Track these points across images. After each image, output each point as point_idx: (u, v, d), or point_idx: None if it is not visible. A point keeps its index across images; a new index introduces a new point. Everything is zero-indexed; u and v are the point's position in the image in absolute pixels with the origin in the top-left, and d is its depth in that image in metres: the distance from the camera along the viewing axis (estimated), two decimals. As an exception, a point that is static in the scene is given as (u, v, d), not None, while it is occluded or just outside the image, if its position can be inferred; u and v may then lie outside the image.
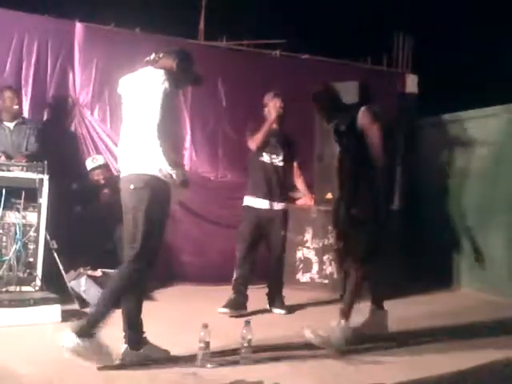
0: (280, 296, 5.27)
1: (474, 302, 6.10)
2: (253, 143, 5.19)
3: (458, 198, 6.87)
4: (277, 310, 5.19)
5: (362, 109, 4.18)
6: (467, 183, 6.79)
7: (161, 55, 3.57)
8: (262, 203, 5.18)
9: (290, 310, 5.25)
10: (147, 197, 3.39)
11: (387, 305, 4.49)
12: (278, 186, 5.22)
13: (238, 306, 4.99)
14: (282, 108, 5.21)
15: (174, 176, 3.40)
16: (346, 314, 4.06)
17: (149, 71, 3.53)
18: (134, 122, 3.49)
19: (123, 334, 3.58)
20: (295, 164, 5.41)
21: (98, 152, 6.12)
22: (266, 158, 5.21)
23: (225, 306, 4.93)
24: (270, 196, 5.17)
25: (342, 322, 4.03)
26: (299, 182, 5.52)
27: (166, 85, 3.40)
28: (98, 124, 6.23)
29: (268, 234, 5.24)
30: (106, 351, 3.40)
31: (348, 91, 6.17)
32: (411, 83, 7.60)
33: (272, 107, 5.23)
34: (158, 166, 3.39)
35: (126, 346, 3.56)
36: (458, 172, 6.88)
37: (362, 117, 4.15)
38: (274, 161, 5.22)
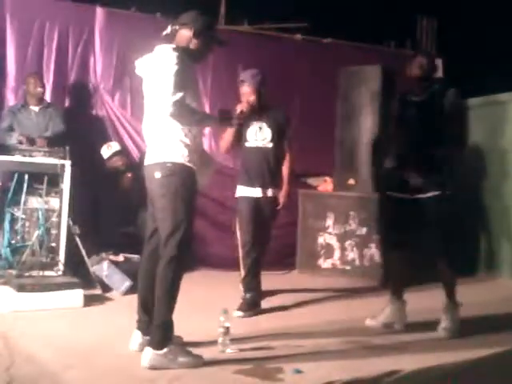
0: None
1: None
2: (221, 147, 4.79)
3: (499, 183, 6.53)
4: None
5: (454, 90, 4.16)
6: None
7: (177, 27, 3.43)
8: (253, 191, 4.66)
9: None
10: (174, 185, 3.31)
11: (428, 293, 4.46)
12: (269, 170, 4.66)
13: (251, 307, 4.55)
14: (249, 102, 4.51)
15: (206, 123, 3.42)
16: (452, 297, 4.15)
17: (162, 50, 3.38)
18: (153, 106, 3.40)
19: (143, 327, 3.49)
20: (285, 145, 4.77)
21: (120, 138, 6.14)
22: (251, 142, 4.68)
23: (239, 309, 4.49)
24: (261, 183, 4.64)
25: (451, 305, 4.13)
26: (284, 169, 4.79)
27: (179, 64, 3.25)
28: (119, 110, 6.23)
29: (260, 223, 4.66)
30: (188, 352, 3.34)
31: (370, 75, 6.15)
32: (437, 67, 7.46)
33: (241, 97, 4.60)
34: (181, 152, 3.33)
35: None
36: (501, 156, 6.52)
37: (456, 98, 4.12)
38: (259, 144, 4.66)
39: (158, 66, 3.35)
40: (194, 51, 3.43)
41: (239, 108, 4.18)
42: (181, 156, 3.34)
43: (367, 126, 6.09)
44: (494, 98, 6.60)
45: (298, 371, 3.25)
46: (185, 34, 3.42)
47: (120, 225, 5.44)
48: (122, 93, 6.26)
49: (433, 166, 4.08)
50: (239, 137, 4.66)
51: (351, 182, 6.09)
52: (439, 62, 7.56)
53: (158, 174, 3.34)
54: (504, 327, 4.27)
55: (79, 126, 5.89)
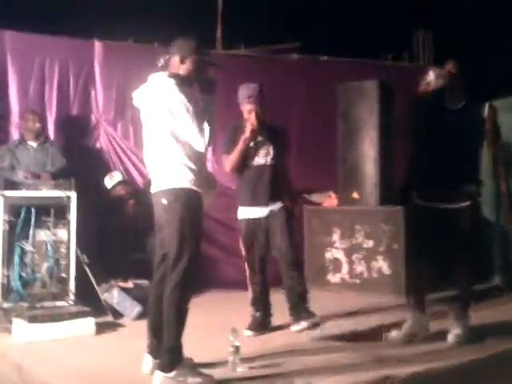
0: (305, 306, 4.64)
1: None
2: (227, 166, 4.58)
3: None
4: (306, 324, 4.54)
5: (489, 103, 4.37)
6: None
7: (167, 56, 3.50)
8: (259, 211, 4.55)
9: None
10: (180, 210, 3.34)
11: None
12: (272, 187, 4.54)
13: (261, 326, 4.53)
14: (253, 124, 4.43)
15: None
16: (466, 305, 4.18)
17: (158, 80, 3.45)
18: (155, 134, 3.46)
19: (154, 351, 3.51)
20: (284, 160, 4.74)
21: (124, 167, 6.24)
22: (253, 160, 4.56)
23: (249, 328, 4.48)
24: (264, 202, 4.53)
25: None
26: (285, 182, 4.74)
27: (180, 94, 3.34)
28: (122, 140, 6.34)
29: (271, 242, 4.58)
30: (199, 373, 3.38)
31: (368, 90, 6.21)
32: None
33: (246, 118, 4.51)
34: (186, 177, 3.37)
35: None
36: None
37: (490, 111, 4.32)
38: (262, 162, 4.56)
39: (155, 94, 3.42)
40: (185, 77, 3.47)
41: (249, 126, 4.30)
42: (185, 180, 3.38)
43: (368, 140, 6.14)
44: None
45: (309, 387, 3.26)
46: (174, 61, 3.49)
47: (128, 252, 5.49)
48: (124, 123, 6.35)
49: (464, 176, 4.12)
50: (247, 156, 4.55)
51: (355, 195, 6.12)
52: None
53: (164, 201, 3.39)
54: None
55: (83, 158, 5.99)
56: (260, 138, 4.57)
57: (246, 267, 4.64)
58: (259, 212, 4.56)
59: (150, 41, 6.45)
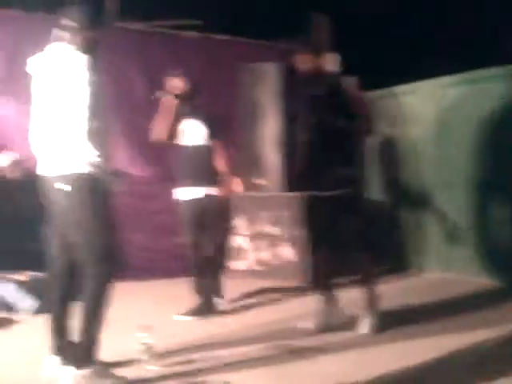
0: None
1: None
2: (155, 134, 4.72)
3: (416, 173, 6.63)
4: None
5: (352, 79, 4.33)
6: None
7: (63, 25, 3.23)
8: (192, 192, 4.69)
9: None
10: (83, 197, 3.13)
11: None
12: (205, 169, 4.68)
13: (203, 312, 4.63)
14: (178, 88, 4.67)
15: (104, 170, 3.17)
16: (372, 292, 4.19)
17: (59, 49, 3.22)
18: (52, 111, 3.18)
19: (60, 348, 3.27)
20: (218, 143, 4.80)
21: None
22: (185, 140, 4.72)
23: (186, 314, 4.57)
24: (198, 182, 4.66)
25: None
26: (221, 165, 4.82)
27: (89, 71, 3.12)
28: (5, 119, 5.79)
29: (205, 224, 4.75)
30: (112, 373, 3.21)
31: (271, 73, 6.11)
32: (332, 62, 7.53)
33: (168, 89, 4.71)
34: (89, 161, 3.13)
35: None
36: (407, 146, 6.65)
37: (353, 87, 4.17)
38: (194, 143, 4.70)
39: (56, 63, 3.18)
40: (85, 47, 3.24)
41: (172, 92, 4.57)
42: (88, 165, 3.13)
43: (270, 125, 6.04)
44: (391, 90, 6.77)
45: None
46: (71, 31, 3.23)
47: (20, 241, 5.06)
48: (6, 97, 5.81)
49: (344, 162, 4.08)
50: (175, 132, 4.68)
51: (258, 181, 6.03)
52: (334, 56, 7.67)
53: (63, 187, 3.13)
54: (420, 318, 4.39)
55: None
56: (191, 119, 4.70)
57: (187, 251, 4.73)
58: (192, 192, 4.68)
59: (37, 9, 5.95)
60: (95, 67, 3.17)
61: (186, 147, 4.71)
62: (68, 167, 3.14)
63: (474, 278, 5.62)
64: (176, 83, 4.70)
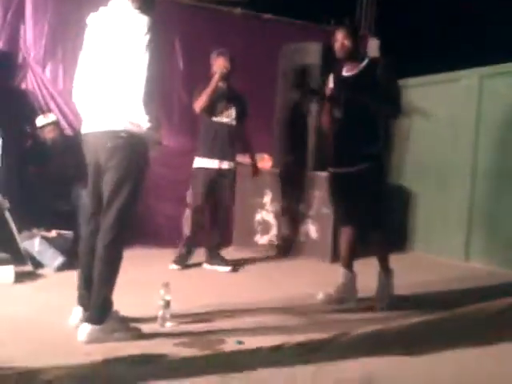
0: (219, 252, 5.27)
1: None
2: (197, 105, 5.06)
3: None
4: (220, 268, 5.13)
5: (385, 60, 4.28)
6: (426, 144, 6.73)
7: None
8: (213, 163, 5.10)
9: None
10: (128, 155, 3.14)
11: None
12: (230, 145, 5.15)
13: (184, 262, 5.15)
14: (226, 67, 5.05)
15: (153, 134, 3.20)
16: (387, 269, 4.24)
17: (126, 10, 3.20)
18: (107, 68, 3.17)
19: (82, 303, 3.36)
20: (244, 124, 5.30)
21: (50, 111, 5.86)
22: (217, 117, 5.12)
23: (175, 262, 5.08)
24: (221, 156, 5.10)
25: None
26: (246, 145, 5.42)
27: (152, 35, 3.11)
28: (49, 82, 5.94)
29: (216, 193, 5.18)
30: (126, 326, 3.29)
31: (310, 52, 6.10)
32: (373, 47, 7.50)
33: (217, 66, 5.08)
34: (139, 122, 3.13)
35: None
36: (431, 135, 6.71)
37: (388, 69, 4.13)
38: (225, 120, 5.13)
39: (120, 25, 3.17)
40: (145, 6, 3.24)
41: (221, 71, 4.99)
42: (137, 125, 3.13)
43: (307, 104, 6.04)
44: (431, 78, 6.70)
45: (240, 342, 3.21)
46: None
47: (52, 200, 5.21)
48: (54, 64, 5.95)
49: (366, 139, 4.11)
50: (214, 101, 5.05)
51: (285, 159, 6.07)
52: (376, 43, 7.63)
53: (108, 144, 3.14)
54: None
55: (7, 98, 5.56)
56: (225, 100, 5.13)
57: (189, 211, 5.19)
58: (212, 164, 5.10)
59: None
60: (155, 29, 3.15)
61: (218, 123, 5.11)
62: (118, 124, 3.13)
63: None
64: (223, 62, 5.05)
